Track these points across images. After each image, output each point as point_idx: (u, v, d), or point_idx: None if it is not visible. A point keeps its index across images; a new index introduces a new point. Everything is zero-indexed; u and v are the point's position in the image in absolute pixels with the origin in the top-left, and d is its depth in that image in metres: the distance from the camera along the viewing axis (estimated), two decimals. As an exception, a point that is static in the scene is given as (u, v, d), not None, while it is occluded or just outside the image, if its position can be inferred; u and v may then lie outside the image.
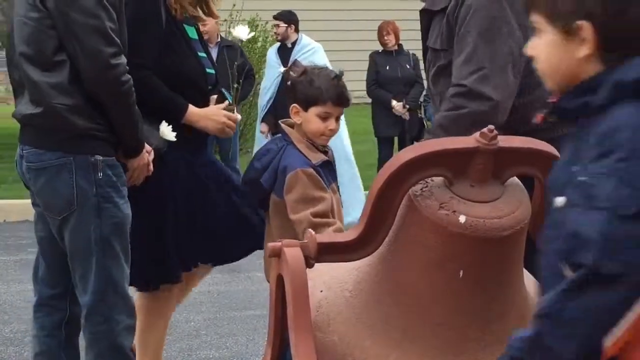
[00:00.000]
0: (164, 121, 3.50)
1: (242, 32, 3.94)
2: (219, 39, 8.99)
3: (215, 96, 3.85)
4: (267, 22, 12.76)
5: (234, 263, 4.00)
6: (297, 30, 8.77)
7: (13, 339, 4.86)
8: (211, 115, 3.69)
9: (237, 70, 4.17)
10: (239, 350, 4.75)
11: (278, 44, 8.94)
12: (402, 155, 2.06)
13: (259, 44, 12.89)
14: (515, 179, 2.15)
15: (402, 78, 9.63)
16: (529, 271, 2.33)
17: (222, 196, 3.77)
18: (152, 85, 3.53)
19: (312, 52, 8.48)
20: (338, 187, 3.32)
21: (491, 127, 2.02)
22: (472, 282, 2.09)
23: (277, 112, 7.95)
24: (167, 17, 3.63)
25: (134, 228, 3.30)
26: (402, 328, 2.14)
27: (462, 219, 2.03)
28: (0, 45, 15.37)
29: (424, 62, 3.35)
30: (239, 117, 3.93)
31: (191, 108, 3.62)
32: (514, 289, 2.19)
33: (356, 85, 9.00)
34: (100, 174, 3.09)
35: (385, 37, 9.81)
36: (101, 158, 3.10)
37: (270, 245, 2.14)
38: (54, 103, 3.03)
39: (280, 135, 3.30)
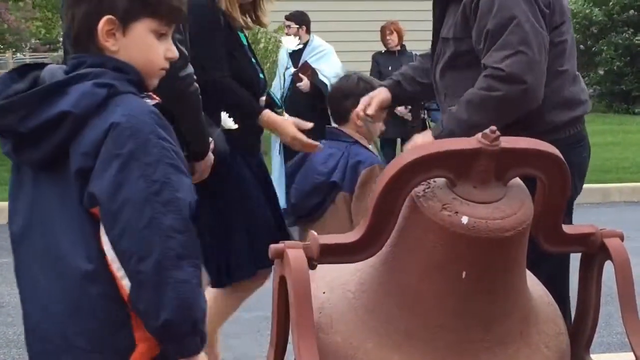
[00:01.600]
0: (223, 112, 3.61)
1: (291, 42, 4.03)
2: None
3: (263, 98, 3.98)
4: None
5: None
6: (308, 32, 8.73)
7: (17, 341, 4.87)
8: (282, 128, 3.80)
9: None
10: (243, 352, 4.75)
11: None
12: (405, 157, 2.06)
13: (262, 45, 12.89)
14: (517, 180, 2.15)
15: (405, 79, 9.63)
16: (532, 272, 2.34)
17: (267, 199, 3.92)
18: (233, 87, 3.73)
19: (322, 54, 8.47)
20: None
21: (493, 128, 2.02)
22: (474, 283, 2.09)
23: (287, 111, 7.96)
24: (226, 24, 3.75)
25: (209, 227, 3.58)
26: (404, 330, 2.14)
27: (464, 220, 2.03)
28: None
29: (432, 56, 3.35)
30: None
31: (268, 113, 3.78)
32: (516, 290, 2.19)
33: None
34: None
35: (388, 38, 9.82)
36: None
37: (273, 246, 2.14)
38: None
39: (328, 140, 3.53)
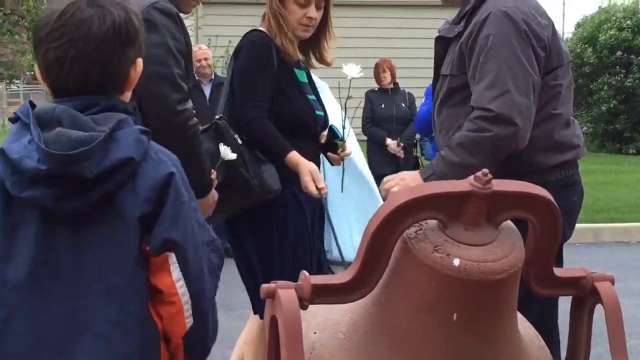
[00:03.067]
0: (221, 143, 3.64)
1: (352, 70, 4.06)
2: (212, 77, 9.01)
3: (325, 132, 3.99)
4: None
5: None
6: None
7: None
8: (304, 171, 3.75)
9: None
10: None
11: None
12: (397, 199, 2.07)
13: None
14: (509, 223, 2.15)
15: (397, 116, 9.67)
16: (522, 314, 2.34)
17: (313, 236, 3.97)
18: (260, 126, 3.75)
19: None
20: None
21: (485, 170, 2.04)
22: (465, 325, 2.09)
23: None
24: (279, 61, 3.77)
25: (254, 261, 3.73)
26: (395, 371, 2.14)
27: (455, 262, 2.04)
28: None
29: (433, 92, 3.38)
30: (349, 152, 4.05)
31: (293, 155, 3.73)
32: (506, 333, 2.19)
33: (352, 122, 9.02)
34: None
35: (382, 75, 9.86)
36: None
37: (264, 286, 2.14)
38: None
39: None
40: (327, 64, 4.11)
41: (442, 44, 3.30)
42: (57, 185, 1.89)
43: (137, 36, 2.03)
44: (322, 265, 3.89)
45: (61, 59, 1.95)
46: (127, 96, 2.07)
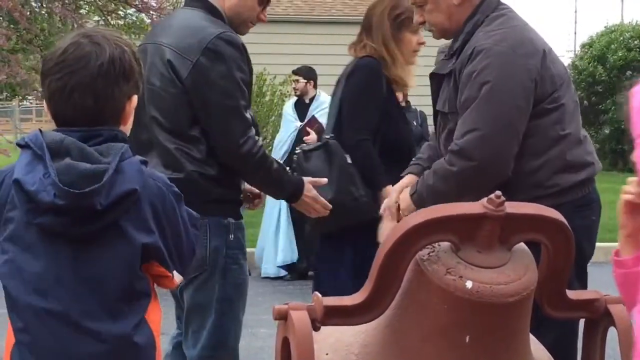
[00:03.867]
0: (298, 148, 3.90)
1: None
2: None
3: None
4: (275, 77, 12.86)
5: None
6: (315, 86, 8.78)
7: None
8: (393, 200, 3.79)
9: None
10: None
11: (295, 98, 8.96)
12: (410, 220, 2.07)
13: (267, 98, 12.93)
14: (522, 245, 2.15)
15: (409, 135, 9.66)
16: (535, 337, 2.33)
17: None
18: (364, 150, 3.86)
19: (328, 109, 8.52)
20: None
21: (498, 193, 2.03)
22: (477, 347, 2.09)
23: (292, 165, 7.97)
24: (387, 89, 3.94)
25: (343, 277, 3.75)
26: (407, 394, 2.13)
27: (468, 284, 2.04)
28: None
29: (435, 126, 3.40)
30: None
31: (388, 189, 3.76)
32: (519, 355, 2.18)
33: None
34: (231, 236, 3.20)
35: (393, 94, 9.86)
36: (233, 221, 3.21)
37: (276, 307, 2.14)
38: (192, 172, 3.14)
39: None
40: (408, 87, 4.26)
41: (436, 79, 3.32)
42: (68, 215, 2.05)
43: (133, 73, 2.18)
44: None
45: (61, 89, 2.12)
46: (126, 129, 2.22)
